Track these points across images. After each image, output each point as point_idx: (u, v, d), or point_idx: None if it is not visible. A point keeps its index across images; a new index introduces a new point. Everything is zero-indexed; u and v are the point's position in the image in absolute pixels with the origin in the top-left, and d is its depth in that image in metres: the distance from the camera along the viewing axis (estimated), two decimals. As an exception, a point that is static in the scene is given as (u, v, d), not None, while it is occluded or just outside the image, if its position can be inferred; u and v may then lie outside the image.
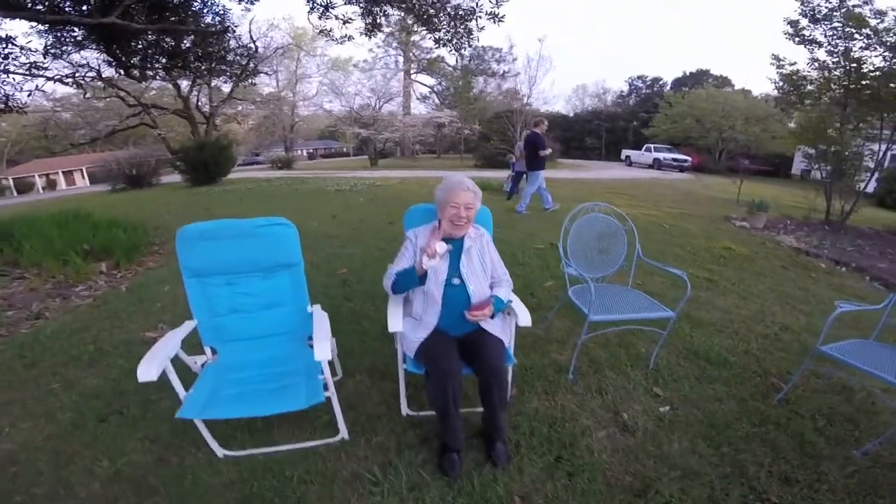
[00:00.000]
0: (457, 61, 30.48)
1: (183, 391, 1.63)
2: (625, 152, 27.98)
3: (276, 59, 27.68)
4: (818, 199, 7.84)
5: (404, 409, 2.08)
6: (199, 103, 18.42)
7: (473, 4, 7.28)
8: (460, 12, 7.45)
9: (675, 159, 23.22)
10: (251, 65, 13.18)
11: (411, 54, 32.71)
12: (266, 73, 21.79)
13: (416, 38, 30.19)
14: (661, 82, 40.03)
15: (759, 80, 21.66)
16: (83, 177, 35.45)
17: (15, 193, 31.62)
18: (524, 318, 1.90)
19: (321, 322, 1.85)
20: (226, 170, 15.26)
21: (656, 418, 2.11)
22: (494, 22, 6.96)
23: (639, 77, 41.78)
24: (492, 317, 1.90)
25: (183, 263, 1.86)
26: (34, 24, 6.54)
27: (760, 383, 2.43)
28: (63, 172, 35.37)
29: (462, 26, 7.71)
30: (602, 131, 36.52)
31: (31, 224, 5.95)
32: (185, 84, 15.98)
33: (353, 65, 33.92)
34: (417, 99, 36.43)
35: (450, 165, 26.05)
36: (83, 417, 2.12)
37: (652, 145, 25.74)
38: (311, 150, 49.86)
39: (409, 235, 2.03)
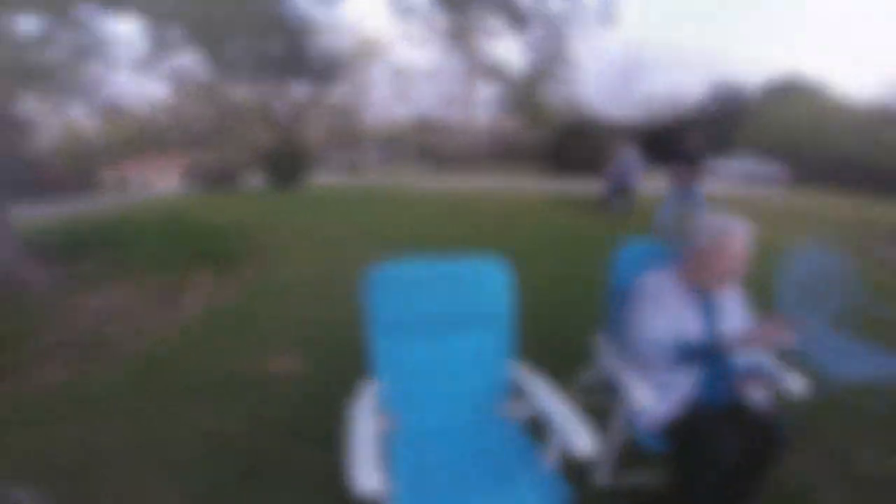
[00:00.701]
0: (528, 66, 29.76)
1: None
2: (709, 163, 26.05)
3: (347, 66, 28.42)
4: None
5: (603, 479, 1.71)
6: (280, 108, 19.14)
7: (571, 4, 6.72)
8: (558, 14, 6.93)
9: (768, 172, 21.24)
10: (332, 70, 13.36)
11: (474, 60, 32.38)
12: (341, 80, 22.37)
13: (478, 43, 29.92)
14: (744, 88, 37.08)
15: (859, 87, 19.30)
16: (174, 177, 38.25)
17: (114, 192, 34.64)
18: (796, 384, 1.50)
19: (544, 391, 1.45)
20: (307, 174, 15.63)
21: (890, 467, 1.97)
22: (605, 25, 6.32)
23: (720, 83, 38.94)
24: None
25: (375, 315, 1.50)
26: (138, 21, 6.71)
27: None
28: (156, 172, 38.40)
29: (555, 32, 7.22)
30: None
31: (129, 226, 6.03)
32: (268, 89, 16.59)
33: (416, 71, 34.16)
34: (480, 106, 36.03)
35: (516, 172, 25.42)
36: (221, 473, 1.84)
37: (742, 156, 23.81)
38: (376, 157, 50.97)
39: (649, 290, 1.58)
